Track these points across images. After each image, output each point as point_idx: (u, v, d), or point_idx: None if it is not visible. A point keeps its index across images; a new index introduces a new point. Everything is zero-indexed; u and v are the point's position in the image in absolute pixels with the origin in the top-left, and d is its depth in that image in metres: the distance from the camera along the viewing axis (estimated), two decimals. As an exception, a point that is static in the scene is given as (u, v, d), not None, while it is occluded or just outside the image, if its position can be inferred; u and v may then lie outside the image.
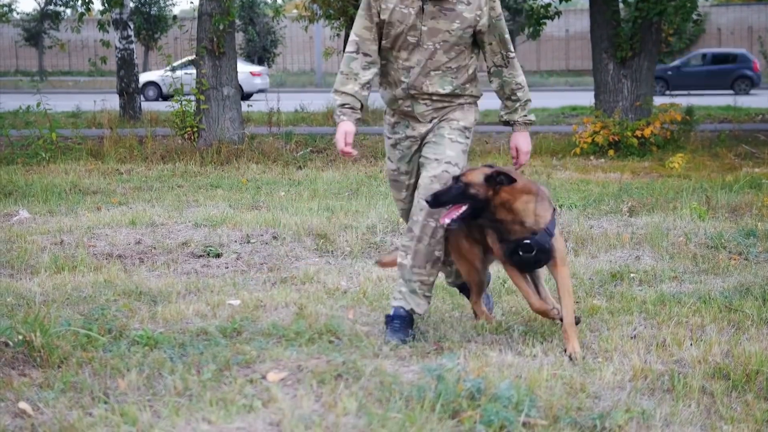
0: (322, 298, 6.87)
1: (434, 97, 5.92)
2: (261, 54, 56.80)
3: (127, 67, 24.59)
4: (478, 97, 6.10)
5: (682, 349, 5.69)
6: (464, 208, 5.58)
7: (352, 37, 5.91)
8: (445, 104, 5.96)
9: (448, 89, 5.91)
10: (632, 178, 14.19)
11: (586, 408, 4.76)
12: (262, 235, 9.24)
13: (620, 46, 18.58)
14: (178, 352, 5.52)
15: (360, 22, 5.90)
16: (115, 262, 8.06)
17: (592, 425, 4.50)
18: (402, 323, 5.93)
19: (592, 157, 16.84)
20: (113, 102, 24.89)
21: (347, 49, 5.92)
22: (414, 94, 5.91)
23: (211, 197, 11.83)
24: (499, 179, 5.57)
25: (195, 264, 8.11)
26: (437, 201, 5.63)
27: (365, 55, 5.88)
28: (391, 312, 5.99)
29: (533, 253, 5.66)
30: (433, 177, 5.82)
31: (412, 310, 5.95)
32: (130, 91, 24.60)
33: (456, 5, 5.78)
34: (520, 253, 5.68)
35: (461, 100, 6.00)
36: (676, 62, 43.07)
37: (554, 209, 5.76)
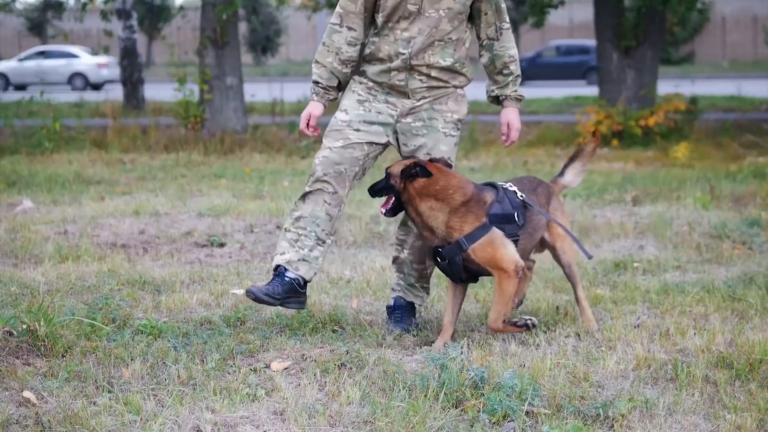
0: (326, 288, 6.87)
1: (432, 72, 5.61)
2: (264, 44, 56.76)
3: (130, 57, 24.59)
4: (469, 82, 5.84)
5: (686, 339, 5.69)
6: (393, 199, 5.50)
7: (338, 9, 5.63)
8: (440, 84, 5.68)
9: (448, 61, 5.62)
10: (636, 167, 14.18)
11: (589, 397, 4.76)
12: (265, 225, 9.25)
13: (624, 36, 18.55)
14: (182, 341, 5.52)
15: None
16: (119, 251, 8.06)
17: (595, 414, 4.50)
18: (403, 313, 5.93)
19: (595, 147, 16.79)
20: (116, 92, 24.87)
21: (331, 20, 5.65)
22: (414, 65, 5.58)
23: (215, 187, 11.83)
24: (413, 172, 5.39)
25: (199, 253, 8.11)
26: (371, 191, 5.62)
27: (350, 29, 5.62)
28: (392, 302, 6.00)
29: (446, 262, 5.46)
30: None
31: (411, 302, 5.96)
32: (133, 81, 24.59)
33: None
34: (438, 260, 5.51)
35: (456, 82, 5.72)
36: (531, 53, 43.33)
37: (513, 213, 5.44)
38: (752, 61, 55.41)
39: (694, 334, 5.76)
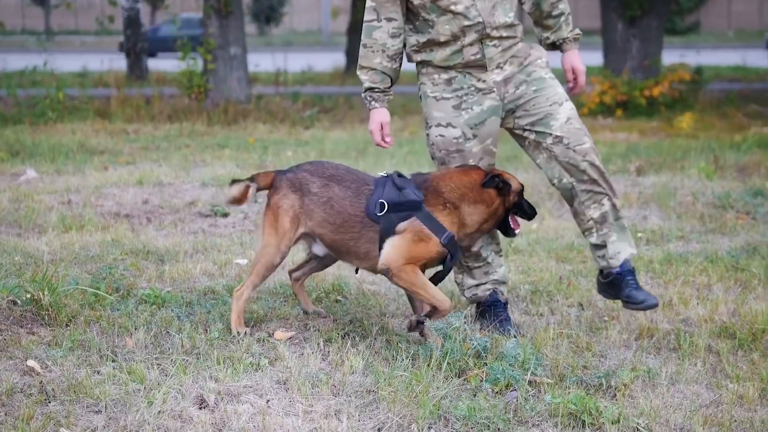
0: (329, 258, 6.87)
1: (503, 33, 5.07)
2: (268, 13, 56.59)
3: (133, 27, 24.53)
4: None
5: (689, 308, 5.70)
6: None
7: (369, 3, 5.11)
8: (510, 42, 5.14)
9: (511, 16, 5.11)
10: (640, 137, 14.16)
11: (592, 367, 4.77)
12: (269, 195, 9.23)
13: (629, 6, 18.49)
14: (186, 310, 5.53)
15: None
16: (123, 221, 8.07)
17: (597, 384, 4.51)
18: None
19: (600, 117, 16.79)
20: (120, 62, 24.83)
21: (366, 18, 5.13)
22: (488, 33, 5.03)
23: (219, 157, 11.82)
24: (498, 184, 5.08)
25: (202, 223, 8.11)
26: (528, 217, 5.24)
27: (389, 20, 5.09)
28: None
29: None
30: (569, 118, 5.11)
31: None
32: (137, 51, 24.54)
33: None
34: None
35: (520, 33, 5.21)
36: (150, 27, 42.22)
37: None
38: (758, 30, 55.14)
39: (697, 303, 5.77)
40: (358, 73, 5.20)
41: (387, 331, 5.21)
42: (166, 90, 19.00)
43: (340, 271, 6.51)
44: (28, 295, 5.31)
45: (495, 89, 5.13)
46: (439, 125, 5.19)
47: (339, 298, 5.91)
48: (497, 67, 5.12)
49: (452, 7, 4.98)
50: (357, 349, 4.92)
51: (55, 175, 10.29)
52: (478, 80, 5.12)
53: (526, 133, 5.17)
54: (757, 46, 40.17)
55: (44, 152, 11.75)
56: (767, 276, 6.35)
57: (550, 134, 5.09)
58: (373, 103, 5.19)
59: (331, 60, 27.19)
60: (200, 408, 4.17)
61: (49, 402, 4.22)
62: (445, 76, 5.15)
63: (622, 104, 17.11)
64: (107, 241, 7.25)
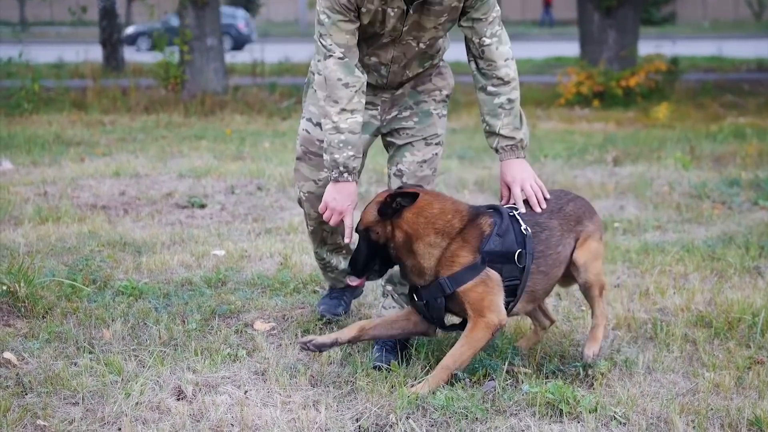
0: (307, 249, 6.86)
1: (413, 78, 4.77)
2: (245, 4, 56.42)
3: (109, 18, 24.38)
4: (446, 50, 4.85)
5: (665, 298, 5.72)
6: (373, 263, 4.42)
7: (336, 51, 4.43)
8: (422, 74, 4.82)
9: (427, 65, 4.74)
10: (617, 128, 14.20)
11: (569, 356, 4.79)
12: (246, 186, 9.22)
13: (605, -4, 18.53)
14: (163, 302, 5.52)
15: (339, 27, 4.41)
16: (99, 212, 8.04)
17: (575, 373, 4.53)
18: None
19: (576, 108, 16.83)
20: (96, 53, 24.70)
21: (329, 68, 4.44)
22: (392, 85, 4.77)
23: (196, 148, 11.79)
24: (394, 204, 4.33)
25: (179, 215, 8.09)
26: (356, 271, 4.46)
27: (358, 74, 4.49)
28: None
29: (423, 303, 4.42)
30: (422, 162, 4.80)
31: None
32: (113, 42, 24.41)
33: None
34: (414, 298, 4.49)
35: (435, 61, 4.81)
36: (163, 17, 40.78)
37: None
38: (733, 21, 55.41)
39: (674, 293, 5.80)
40: (335, 143, 4.48)
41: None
42: (143, 81, 18.92)
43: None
44: (4, 287, 5.28)
45: (379, 107, 4.83)
46: (309, 120, 4.84)
47: (317, 288, 5.90)
48: (394, 88, 4.80)
49: (372, 59, 4.64)
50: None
51: (31, 167, 10.23)
52: (375, 95, 4.78)
53: (388, 148, 4.92)
54: (733, 37, 40.32)
55: (20, 144, 11.68)
56: (743, 265, 6.38)
57: (396, 165, 4.82)
58: (346, 176, 4.51)
59: (309, 51, 26.98)
60: (178, 399, 4.16)
61: (26, 394, 4.20)
62: None
63: (599, 95, 17.16)
64: (84, 232, 7.22)
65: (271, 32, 50.29)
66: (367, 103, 4.74)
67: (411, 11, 4.42)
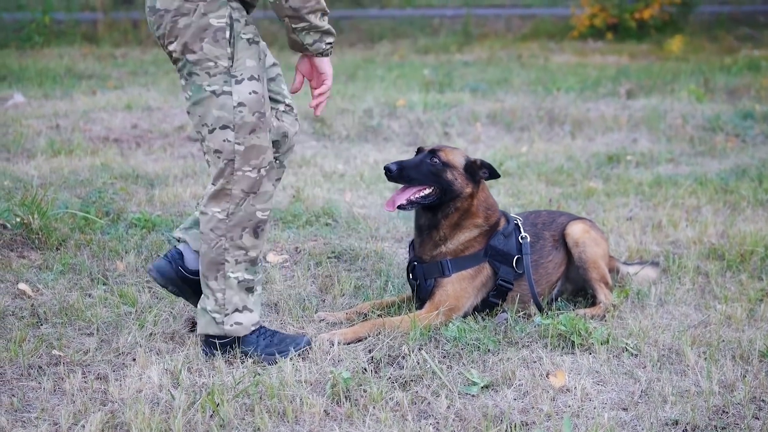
0: (319, 182, 6.87)
1: None
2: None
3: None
4: None
5: (678, 230, 5.71)
6: (427, 191, 4.30)
7: None
8: None
9: None
10: (630, 60, 14.10)
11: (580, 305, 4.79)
12: (258, 119, 9.19)
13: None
14: (176, 234, 5.54)
15: None
16: (112, 145, 8.04)
17: (587, 305, 4.54)
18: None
19: (590, 40, 16.71)
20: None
21: None
22: None
23: (207, 81, 11.72)
24: (482, 172, 4.38)
25: (191, 148, 8.09)
26: (402, 173, 4.27)
27: None
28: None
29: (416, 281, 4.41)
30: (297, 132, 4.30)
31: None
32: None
33: None
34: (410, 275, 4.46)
35: None
36: None
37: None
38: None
39: (687, 225, 5.79)
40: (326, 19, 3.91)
41: (377, 254, 5.22)
42: (154, 13, 18.77)
43: (329, 194, 6.51)
44: (18, 219, 5.30)
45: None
46: (252, 78, 3.87)
47: (329, 221, 5.91)
48: None
49: None
50: (347, 271, 4.93)
51: (42, 100, 10.22)
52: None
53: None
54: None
55: (31, 77, 11.66)
56: (756, 198, 6.36)
57: (284, 101, 4.28)
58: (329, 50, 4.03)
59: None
60: (191, 330, 4.18)
61: (41, 325, 4.23)
62: (247, 16, 3.91)
63: (612, 27, 17.03)
64: (96, 165, 7.23)
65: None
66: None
67: None
